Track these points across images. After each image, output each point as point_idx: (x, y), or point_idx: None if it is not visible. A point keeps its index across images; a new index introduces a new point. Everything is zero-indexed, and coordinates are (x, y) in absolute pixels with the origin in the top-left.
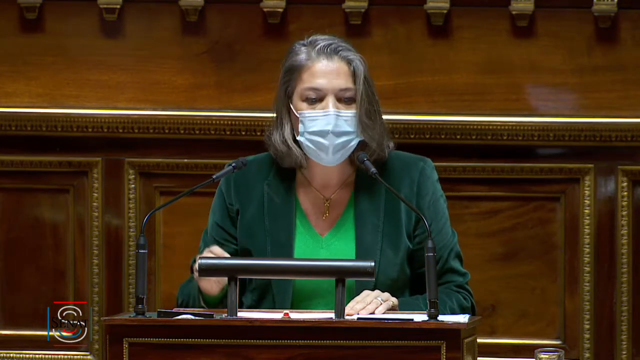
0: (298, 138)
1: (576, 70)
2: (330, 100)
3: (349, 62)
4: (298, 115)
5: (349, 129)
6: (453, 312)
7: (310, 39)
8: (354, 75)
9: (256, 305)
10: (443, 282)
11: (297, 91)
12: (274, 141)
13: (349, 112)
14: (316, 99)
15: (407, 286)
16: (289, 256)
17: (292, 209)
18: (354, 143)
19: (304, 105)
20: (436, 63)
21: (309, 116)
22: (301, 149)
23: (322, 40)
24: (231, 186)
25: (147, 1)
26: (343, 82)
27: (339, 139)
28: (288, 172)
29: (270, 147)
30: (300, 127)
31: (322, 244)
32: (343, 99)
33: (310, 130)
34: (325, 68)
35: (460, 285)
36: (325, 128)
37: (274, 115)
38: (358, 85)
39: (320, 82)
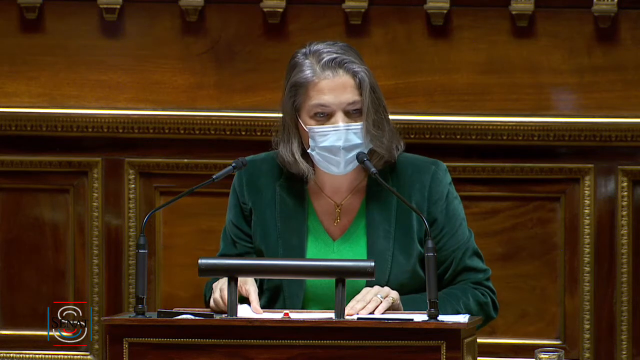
0: (309, 151)
1: (576, 70)
2: (339, 116)
3: (354, 74)
4: (307, 130)
5: (359, 141)
6: (467, 308)
7: (312, 48)
8: (360, 87)
9: (267, 307)
10: (460, 280)
11: (304, 107)
12: (282, 152)
13: (357, 125)
14: (324, 114)
15: (421, 291)
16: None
17: (305, 212)
18: (365, 153)
19: (313, 121)
20: (436, 63)
21: (319, 131)
22: (308, 163)
23: (326, 52)
24: (244, 185)
25: (147, 1)
26: (350, 96)
27: (351, 153)
28: (299, 175)
29: (277, 154)
30: (311, 142)
31: (334, 248)
32: (351, 112)
33: (321, 145)
34: (332, 84)
35: (478, 282)
36: (337, 144)
37: (281, 123)
38: (364, 97)
39: (328, 98)
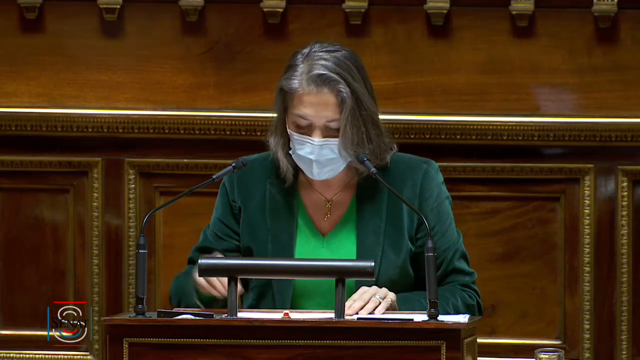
0: (290, 152)
1: (576, 70)
2: (317, 131)
3: (337, 93)
4: (289, 134)
5: (333, 155)
6: (456, 309)
7: (311, 52)
8: (342, 105)
9: (256, 304)
10: (448, 282)
11: (289, 112)
12: (271, 145)
13: (333, 141)
14: (304, 126)
15: (410, 288)
16: (290, 255)
17: (294, 208)
18: (342, 165)
19: (294, 127)
20: (436, 63)
21: (297, 139)
22: (290, 161)
23: (320, 64)
24: (234, 183)
25: (147, 1)
26: (330, 113)
27: (324, 167)
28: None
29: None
30: (292, 145)
31: (324, 243)
32: (330, 129)
33: (297, 152)
34: (314, 99)
35: (465, 284)
36: (309, 156)
37: (275, 119)
38: (343, 116)
39: (308, 112)
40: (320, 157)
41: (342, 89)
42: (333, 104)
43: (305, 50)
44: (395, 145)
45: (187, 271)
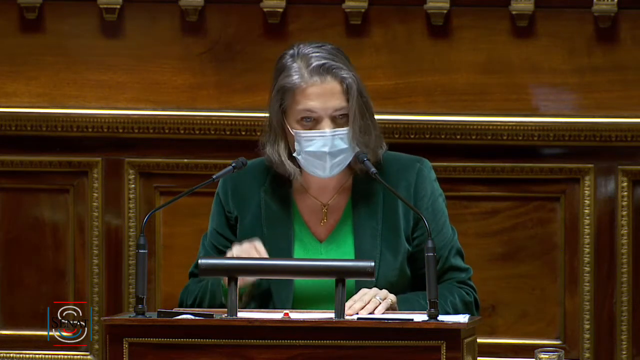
0: (295, 155)
1: (576, 70)
2: (325, 122)
3: (342, 80)
4: (294, 134)
5: (345, 145)
6: (455, 307)
7: (300, 50)
8: (347, 93)
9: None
10: (445, 279)
11: (291, 111)
12: (268, 153)
13: (344, 130)
14: (311, 120)
15: (408, 289)
16: None
17: (290, 215)
18: (348, 159)
19: (299, 125)
20: (436, 63)
21: (305, 136)
22: (295, 165)
23: (315, 56)
24: (228, 193)
25: (147, 1)
26: (337, 102)
27: (336, 158)
28: (284, 178)
29: (264, 155)
30: (297, 146)
31: (321, 249)
32: (337, 118)
33: (307, 150)
34: (319, 90)
35: (462, 281)
36: (322, 149)
37: (268, 124)
38: (351, 103)
39: (315, 104)
40: (333, 148)
41: (345, 75)
42: (339, 92)
43: (292, 51)
44: (384, 144)
45: (199, 280)
